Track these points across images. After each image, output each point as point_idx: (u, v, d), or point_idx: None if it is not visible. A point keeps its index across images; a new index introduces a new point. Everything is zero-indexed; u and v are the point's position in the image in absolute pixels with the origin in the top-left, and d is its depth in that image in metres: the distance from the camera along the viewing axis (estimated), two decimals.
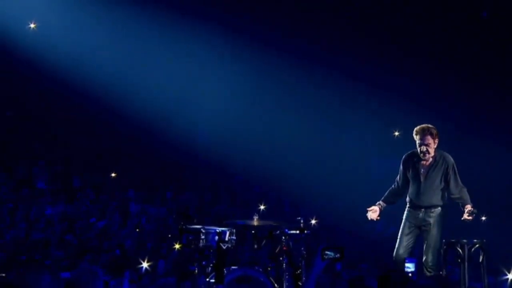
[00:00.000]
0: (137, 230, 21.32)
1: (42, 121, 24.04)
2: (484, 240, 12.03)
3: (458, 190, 11.88)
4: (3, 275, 10.36)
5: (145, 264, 17.34)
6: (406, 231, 11.90)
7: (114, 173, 23.54)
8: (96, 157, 24.00)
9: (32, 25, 23.41)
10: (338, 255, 8.98)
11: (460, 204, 11.84)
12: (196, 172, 24.59)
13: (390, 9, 25.06)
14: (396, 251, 11.85)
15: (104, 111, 23.37)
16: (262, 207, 18.74)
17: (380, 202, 12.18)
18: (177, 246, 18.27)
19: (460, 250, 11.84)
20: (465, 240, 11.91)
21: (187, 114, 24.68)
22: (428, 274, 11.77)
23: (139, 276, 16.64)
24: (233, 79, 24.69)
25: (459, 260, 11.84)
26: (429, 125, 11.96)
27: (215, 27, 24.08)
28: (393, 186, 12.33)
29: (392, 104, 24.25)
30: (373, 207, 12.14)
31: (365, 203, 14.13)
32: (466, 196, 11.86)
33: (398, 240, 11.91)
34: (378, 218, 12.19)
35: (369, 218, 12.20)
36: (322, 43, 25.36)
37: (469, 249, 11.86)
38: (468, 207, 11.61)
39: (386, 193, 12.30)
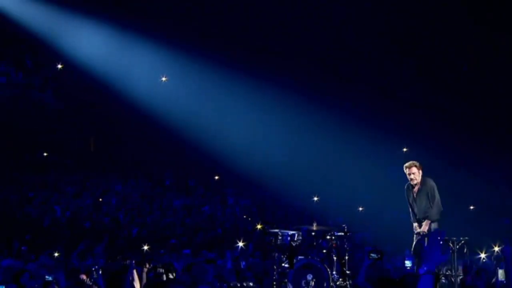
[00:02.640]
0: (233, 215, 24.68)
1: (170, 144, 26.87)
2: (467, 238, 13.14)
3: (428, 207, 13.14)
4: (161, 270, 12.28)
5: (240, 243, 19.60)
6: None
7: (217, 176, 27.18)
8: (204, 166, 27.06)
9: (163, 78, 26.27)
10: (379, 255, 11.02)
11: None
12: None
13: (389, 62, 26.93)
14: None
15: (205, 140, 25.72)
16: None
17: (413, 223, 13.29)
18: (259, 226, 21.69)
19: (451, 245, 12.94)
20: (454, 238, 12.99)
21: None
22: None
23: (236, 257, 17.62)
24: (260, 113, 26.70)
25: (451, 252, 12.89)
26: (414, 161, 13.38)
27: (247, 80, 25.58)
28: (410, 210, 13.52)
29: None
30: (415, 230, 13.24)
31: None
32: (430, 214, 13.05)
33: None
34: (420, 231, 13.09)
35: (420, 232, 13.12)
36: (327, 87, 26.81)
37: (457, 244, 13.03)
38: (423, 225, 13.02)
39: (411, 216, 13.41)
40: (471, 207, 24.63)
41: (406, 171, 13.34)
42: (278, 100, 25.93)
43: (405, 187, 13.51)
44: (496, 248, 15.12)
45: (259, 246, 20.85)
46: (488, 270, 15.34)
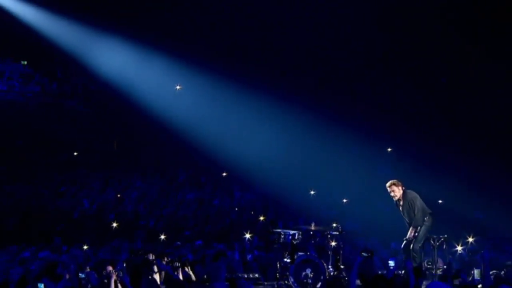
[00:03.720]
0: (236, 209, 24.51)
1: (183, 145, 26.72)
2: (446, 236, 13.48)
3: (412, 216, 13.22)
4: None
5: (247, 235, 18.99)
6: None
7: (225, 173, 26.74)
8: (213, 165, 26.72)
9: (178, 87, 25.83)
10: (369, 254, 11.09)
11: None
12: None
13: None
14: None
15: (214, 142, 25.82)
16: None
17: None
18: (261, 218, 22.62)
19: (432, 242, 13.32)
20: (435, 236, 13.28)
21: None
22: (413, 255, 12.98)
23: (243, 249, 17.34)
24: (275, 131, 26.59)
25: (432, 248, 13.36)
26: (393, 180, 13.49)
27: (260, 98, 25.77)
28: None
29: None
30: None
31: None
32: (414, 221, 13.11)
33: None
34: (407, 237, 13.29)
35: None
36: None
37: (438, 241, 13.38)
38: (409, 231, 13.17)
39: None
40: (439, 201, 23.59)
41: (388, 190, 13.50)
42: (276, 107, 25.89)
43: (394, 203, 13.63)
44: (470, 239, 14.95)
45: (262, 237, 20.33)
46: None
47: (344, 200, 24.82)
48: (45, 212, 23.14)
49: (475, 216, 23.59)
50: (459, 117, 27.28)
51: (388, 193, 13.60)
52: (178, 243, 18.31)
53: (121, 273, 12.23)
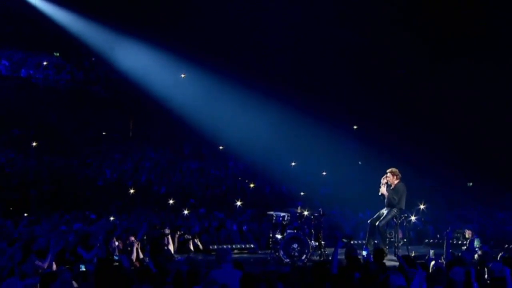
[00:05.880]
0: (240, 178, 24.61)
1: (188, 124, 25.82)
2: (406, 214, 13.41)
3: (392, 199, 13.14)
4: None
5: (238, 203, 18.93)
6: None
7: (222, 147, 26.55)
8: (212, 139, 26.26)
9: (183, 75, 26.59)
10: (348, 239, 11.72)
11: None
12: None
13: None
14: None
15: (212, 123, 25.55)
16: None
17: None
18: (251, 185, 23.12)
19: (395, 220, 13.23)
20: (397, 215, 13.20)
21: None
22: (380, 231, 13.02)
23: (240, 221, 16.78)
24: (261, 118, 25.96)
25: (395, 224, 13.25)
26: (395, 170, 13.31)
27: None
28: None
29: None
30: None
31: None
32: (392, 203, 13.06)
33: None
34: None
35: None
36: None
37: (399, 219, 13.30)
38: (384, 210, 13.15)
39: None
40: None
41: (387, 173, 13.33)
42: (262, 96, 25.49)
43: (384, 183, 13.41)
44: (422, 206, 14.28)
45: (252, 203, 21.07)
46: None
47: (324, 173, 25.25)
48: (75, 180, 22.86)
49: (426, 185, 23.44)
50: (407, 104, 27.09)
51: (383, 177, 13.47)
52: (185, 212, 17.96)
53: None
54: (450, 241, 11.75)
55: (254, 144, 24.77)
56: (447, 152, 25.93)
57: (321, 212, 13.04)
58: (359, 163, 26.04)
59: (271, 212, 13.20)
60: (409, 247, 13.38)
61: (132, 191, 21.51)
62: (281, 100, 25.68)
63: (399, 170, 13.44)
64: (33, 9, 25.46)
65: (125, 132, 28.36)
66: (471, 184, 26.26)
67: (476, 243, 12.44)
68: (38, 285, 8.50)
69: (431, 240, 15.77)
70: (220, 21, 24.89)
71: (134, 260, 12.39)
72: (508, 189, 23.65)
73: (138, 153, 26.30)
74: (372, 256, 10.10)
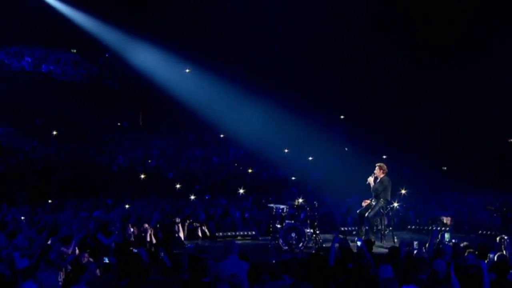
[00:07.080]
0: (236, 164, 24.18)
1: (193, 114, 25.88)
2: (392, 206, 13.16)
3: (378, 191, 12.94)
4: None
5: (241, 190, 18.67)
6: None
7: (223, 135, 26.57)
8: (215, 128, 26.24)
9: (187, 70, 26.66)
10: (343, 235, 11.63)
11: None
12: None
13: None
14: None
15: (215, 114, 25.56)
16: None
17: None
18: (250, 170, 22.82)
19: (382, 210, 13.02)
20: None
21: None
22: (370, 221, 12.85)
23: (242, 208, 16.14)
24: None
25: (382, 214, 13.05)
26: (383, 165, 13.09)
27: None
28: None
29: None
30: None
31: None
32: (378, 194, 12.90)
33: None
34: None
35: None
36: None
37: (386, 210, 13.11)
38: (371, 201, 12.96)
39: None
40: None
41: (376, 167, 13.12)
42: (257, 91, 25.35)
43: (372, 176, 13.20)
44: (403, 191, 13.97)
45: (252, 187, 20.49)
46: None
47: (310, 158, 24.90)
48: (92, 166, 22.60)
49: (405, 171, 23.48)
50: (389, 98, 26.82)
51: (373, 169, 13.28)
52: (191, 197, 17.73)
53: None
54: (435, 237, 11.48)
55: (252, 132, 24.62)
56: (426, 140, 25.99)
57: (316, 205, 12.97)
58: (346, 149, 25.75)
59: (272, 205, 13.09)
60: (394, 233, 13.21)
61: (142, 176, 21.31)
62: (275, 93, 25.65)
63: (384, 162, 13.30)
64: (53, 10, 25.47)
65: (135, 122, 28.26)
66: (445, 168, 25.94)
67: (447, 237, 11.93)
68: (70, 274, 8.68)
69: (413, 227, 15.50)
70: (221, 24, 25.03)
71: (147, 245, 12.22)
72: (481, 177, 23.41)
73: (147, 141, 26.09)
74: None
